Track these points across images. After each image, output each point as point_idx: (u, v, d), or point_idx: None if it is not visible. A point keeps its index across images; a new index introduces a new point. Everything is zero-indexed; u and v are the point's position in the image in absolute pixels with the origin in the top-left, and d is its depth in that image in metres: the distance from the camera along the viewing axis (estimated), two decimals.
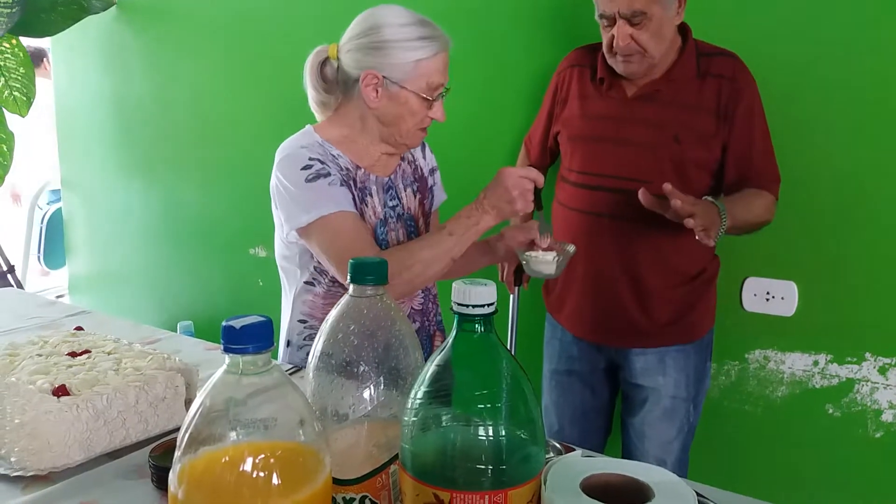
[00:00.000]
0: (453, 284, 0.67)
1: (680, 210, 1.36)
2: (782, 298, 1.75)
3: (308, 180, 1.30)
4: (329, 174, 1.31)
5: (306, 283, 1.41)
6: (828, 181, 1.67)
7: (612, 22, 1.51)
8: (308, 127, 1.41)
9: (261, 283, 2.75)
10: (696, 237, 1.40)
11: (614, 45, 1.51)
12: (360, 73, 1.32)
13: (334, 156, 1.35)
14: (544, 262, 1.33)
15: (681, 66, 1.56)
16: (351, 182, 1.35)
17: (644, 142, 1.56)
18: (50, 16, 2.73)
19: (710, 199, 1.48)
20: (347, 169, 1.35)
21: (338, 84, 1.39)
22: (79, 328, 1.31)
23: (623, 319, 1.65)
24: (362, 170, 1.38)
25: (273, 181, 1.35)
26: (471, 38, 2.04)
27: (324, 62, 1.39)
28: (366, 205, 1.37)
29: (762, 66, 1.60)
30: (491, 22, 2.08)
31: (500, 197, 1.28)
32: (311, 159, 1.31)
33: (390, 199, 1.42)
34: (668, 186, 1.36)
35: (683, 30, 1.59)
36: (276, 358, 1.47)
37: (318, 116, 1.45)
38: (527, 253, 1.35)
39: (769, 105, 1.59)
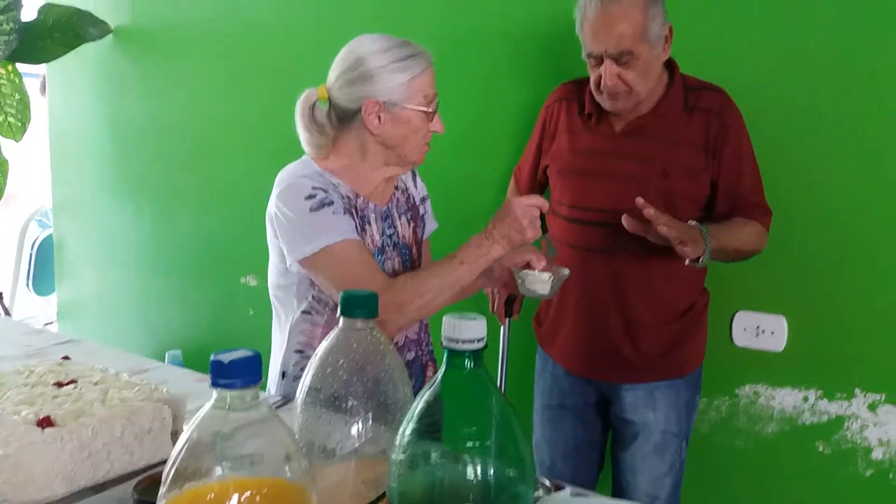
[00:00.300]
0: (444, 318, 0.67)
1: (654, 219, 1.38)
2: (772, 333, 1.75)
3: (312, 209, 1.30)
4: (332, 202, 1.32)
5: (304, 312, 1.41)
6: (817, 216, 1.69)
7: (599, 61, 1.52)
8: (305, 157, 1.42)
9: (251, 313, 2.73)
10: (677, 252, 1.41)
11: (602, 84, 1.54)
12: (359, 105, 1.34)
13: (335, 184, 1.36)
14: (540, 281, 1.35)
15: (668, 101, 1.58)
16: (352, 210, 1.37)
17: (633, 176, 1.58)
18: (46, 43, 2.75)
19: (693, 222, 1.49)
20: (348, 197, 1.37)
21: (331, 122, 1.40)
22: (66, 357, 1.30)
23: (614, 354, 1.64)
24: (361, 198, 1.39)
25: (273, 211, 1.35)
26: (461, 70, 2.07)
27: (313, 105, 1.40)
28: (365, 233, 1.38)
29: (750, 101, 1.62)
30: (481, 54, 2.10)
31: (511, 226, 1.30)
32: (314, 188, 1.32)
33: (387, 228, 1.44)
34: (640, 200, 1.39)
35: (670, 65, 1.61)
36: (265, 389, 1.47)
37: (313, 157, 1.46)
38: (522, 272, 1.36)
39: (757, 139, 1.60)
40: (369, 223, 1.40)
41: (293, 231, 1.31)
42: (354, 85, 1.34)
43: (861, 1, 1.59)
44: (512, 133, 2.06)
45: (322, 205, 1.31)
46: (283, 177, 1.37)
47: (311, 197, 1.31)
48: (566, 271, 1.38)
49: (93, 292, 3.33)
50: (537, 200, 1.31)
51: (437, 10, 2.16)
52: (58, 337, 1.74)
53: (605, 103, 1.58)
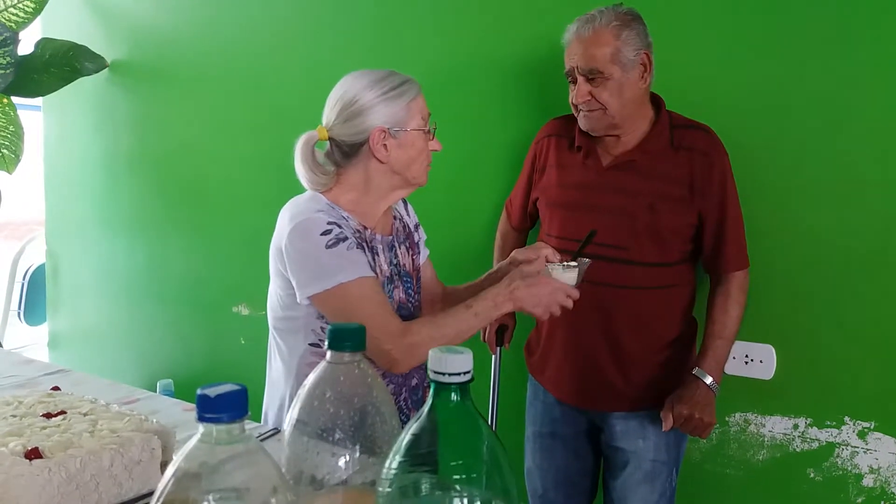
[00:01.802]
0: (430, 352, 0.67)
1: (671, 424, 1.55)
2: (761, 362, 1.76)
3: (328, 246, 1.29)
4: (347, 238, 1.32)
5: (311, 344, 1.39)
6: (803, 247, 1.70)
7: (574, 79, 1.57)
8: (311, 191, 1.43)
9: (243, 342, 2.73)
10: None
11: (572, 98, 1.58)
12: (365, 136, 1.36)
13: (345, 217, 1.37)
14: (569, 271, 1.37)
15: (654, 138, 1.60)
16: (364, 243, 1.37)
17: (620, 209, 1.60)
18: (42, 77, 2.77)
19: (695, 373, 1.58)
20: (358, 230, 1.38)
21: (333, 160, 1.42)
22: (56, 388, 1.30)
23: (603, 383, 1.65)
24: (369, 230, 1.41)
25: (284, 245, 1.33)
26: (452, 104, 2.10)
27: (314, 145, 1.41)
28: (375, 264, 1.39)
29: (737, 137, 1.65)
30: (472, 89, 2.13)
31: (532, 298, 1.33)
32: (329, 223, 1.31)
33: (393, 257, 1.45)
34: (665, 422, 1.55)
35: (657, 102, 1.64)
36: (259, 419, 1.46)
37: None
38: (549, 265, 1.38)
39: (744, 172, 1.63)
40: (377, 254, 1.41)
41: (308, 267, 1.30)
42: (356, 119, 1.36)
43: (850, 44, 1.62)
44: (503, 166, 2.09)
45: (338, 241, 1.30)
46: (294, 211, 1.35)
47: (326, 233, 1.30)
48: (587, 261, 1.41)
49: (85, 322, 3.32)
50: (576, 294, 1.36)
51: (429, 47, 2.20)
52: (48, 367, 1.74)
53: (582, 121, 1.61)
